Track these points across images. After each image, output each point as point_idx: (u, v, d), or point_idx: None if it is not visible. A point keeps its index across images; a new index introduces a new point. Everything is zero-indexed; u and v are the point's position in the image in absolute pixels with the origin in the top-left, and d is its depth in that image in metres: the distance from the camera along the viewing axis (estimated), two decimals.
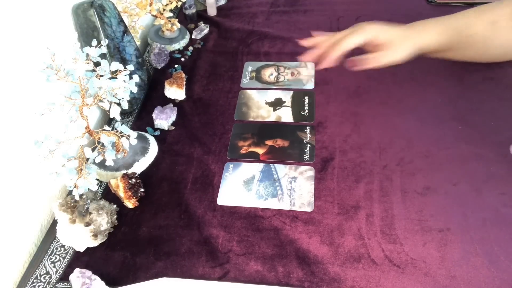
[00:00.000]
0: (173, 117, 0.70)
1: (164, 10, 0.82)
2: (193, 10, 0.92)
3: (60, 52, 0.51)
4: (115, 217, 0.56)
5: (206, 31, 0.90)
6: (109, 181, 0.58)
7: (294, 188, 0.58)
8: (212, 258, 0.52)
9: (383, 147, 0.63)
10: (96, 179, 0.61)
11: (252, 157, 0.63)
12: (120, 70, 0.52)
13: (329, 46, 0.64)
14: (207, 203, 0.58)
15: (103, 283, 0.48)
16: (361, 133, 0.65)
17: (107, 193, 0.60)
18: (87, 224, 0.52)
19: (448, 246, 0.50)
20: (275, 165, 0.62)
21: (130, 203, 0.57)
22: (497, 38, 0.68)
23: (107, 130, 0.55)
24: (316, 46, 0.66)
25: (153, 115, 0.69)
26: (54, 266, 0.53)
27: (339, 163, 0.61)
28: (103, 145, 0.55)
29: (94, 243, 0.53)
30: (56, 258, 0.54)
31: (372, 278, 0.48)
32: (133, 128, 0.70)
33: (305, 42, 0.68)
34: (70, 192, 0.62)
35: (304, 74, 0.77)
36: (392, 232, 0.52)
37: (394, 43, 0.63)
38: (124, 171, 0.61)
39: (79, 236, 0.52)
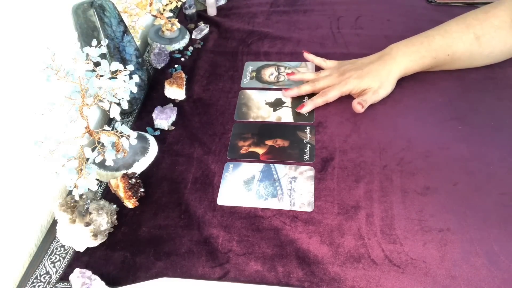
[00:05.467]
0: (173, 117, 0.70)
1: (164, 10, 0.82)
2: (193, 10, 0.92)
3: (60, 52, 0.51)
4: (115, 217, 0.56)
5: (206, 31, 0.90)
6: (109, 181, 0.58)
7: (294, 188, 0.58)
8: (212, 258, 0.52)
9: (383, 147, 0.63)
10: (96, 179, 0.61)
11: (252, 157, 0.63)
12: (120, 70, 0.52)
13: (310, 91, 0.72)
14: (207, 203, 0.58)
15: (103, 283, 0.48)
16: (361, 133, 0.65)
17: (107, 193, 0.60)
18: (87, 224, 0.52)
19: (448, 246, 0.50)
20: (275, 165, 0.62)
21: (130, 203, 0.57)
22: (483, 50, 0.68)
23: (107, 130, 0.55)
24: (301, 84, 0.73)
25: (153, 115, 0.69)
26: (54, 266, 0.53)
27: (339, 163, 0.61)
28: (103, 145, 0.55)
29: (94, 243, 0.53)
30: (56, 258, 0.54)
31: (372, 278, 0.48)
32: (133, 128, 0.70)
33: (292, 77, 0.74)
34: (70, 192, 0.62)
35: None
36: (392, 232, 0.52)
37: (378, 86, 0.68)
38: (124, 171, 0.61)
39: (79, 236, 0.52)
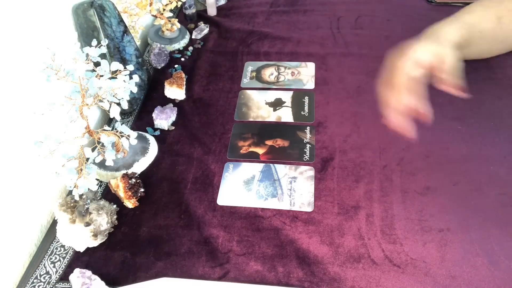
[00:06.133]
0: (173, 117, 0.70)
1: (164, 10, 0.82)
2: (193, 10, 0.92)
3: (60, 52, 0.51)
4: (115, 217, 0.56)
5: (206, 31, 0.90)
6: (109, 181, 0.58)
7: (294, 188, 0.58)
8: (212, 258, 0.52)
9: (383, 147, 0.63)
10: (96, 179, 0.61)
11: (252, 157, 0.63)
12: (120, 70, 0.52)
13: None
14: (207, 203, 0.58)
15: (103, 283, 0.48)
16: (361, 133, 0.65)
17: (107, 193, 0.60)
18: (87, 224, 0.52)
19: (448, 246, 0.50)
20: (275, 165, 0.62)
21: (130, 203, 0.57)
22: (502, 32, 0.68)
23: (107, 130, 0.55)
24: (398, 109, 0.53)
25: (153, 115, 0.69)
26: (54, 266, 0.53)
27: (339, 163, 0.61)
28: (103, 145, 0.55)
29: (94, 243, 0.53)
30: (56, 258, 0.54)
31: (372, 278, 0.48)
32: (133, 128, 0.70)
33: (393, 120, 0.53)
34: (70, 192, 0.62)
35: (304, 74, 0.77)
36: (392, 232, 0.52)
37: (441, 57, 0.54)
38: (124, 171, 0.61)
39: (79, 236, 0.52)
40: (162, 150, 0.66)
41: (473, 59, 0.71)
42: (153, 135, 0.68)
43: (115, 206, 0.57)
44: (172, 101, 0.74)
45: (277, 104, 0.72)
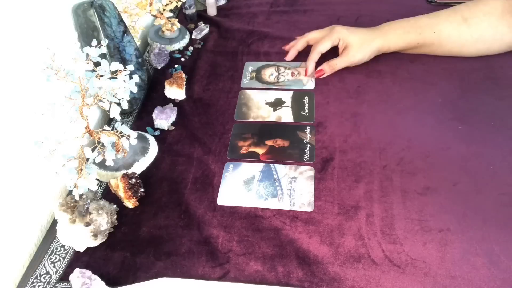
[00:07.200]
0: (173, 117, 0.70)
1: (164, 10, 0.82)
2: (193, 10, 0.92)
3: (60, 52, 0.51)
4: (115, 217, 0.56)
5: (206, 31, 0.90)
6: (109, 181, 0.58)
7: (294, 188, 0.58)
8: (212, 258, 0.52)
9: (383, 147, 0.63)
10: (96, 179, 0.61)
11: (252, 157, 0.63)
12: (120, 70, 0.52)
13: (304, 43, 0.78)
14: (207, 203, 0.58)
15: (103, 283, 0.48)
16: (361, 133, 0.65)
17: (107, 193, 0.60)
18: (87, 224, 0.52)
19: (448, 246, 0.50)
20: (275, 165, 0.62)
21: (130, 203, 0.57)
22: (474, 32, 0.71)
23: (107, 130, 0.55)
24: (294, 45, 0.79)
25: (153, 115, 0.69)
26: (54, 266, 0.53)
27: (339, 163, 0.61)
28: (103, 145, 0.55)
29: (94, 243, 0.53)
30: (56, 258, 0.54)
31: (372, 278, 0.48)
32: (133, 128, 0.70)
33: (286, 46, 0.81)
34: (70, 192, 0.62)
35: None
36: (392, 232, 0.52)
37: (359, 45, 0.72)
38: (124, 171, 0.61)
39: (79, 236, 0.52)
40: (162, 150, 0.66)
41: (452, 55, 0.75)
42: (153, 135, 0.68)
43: (115, 206, 0.57)
44: (172, 101, 0.74)
45: (277, 104, 0.72)
